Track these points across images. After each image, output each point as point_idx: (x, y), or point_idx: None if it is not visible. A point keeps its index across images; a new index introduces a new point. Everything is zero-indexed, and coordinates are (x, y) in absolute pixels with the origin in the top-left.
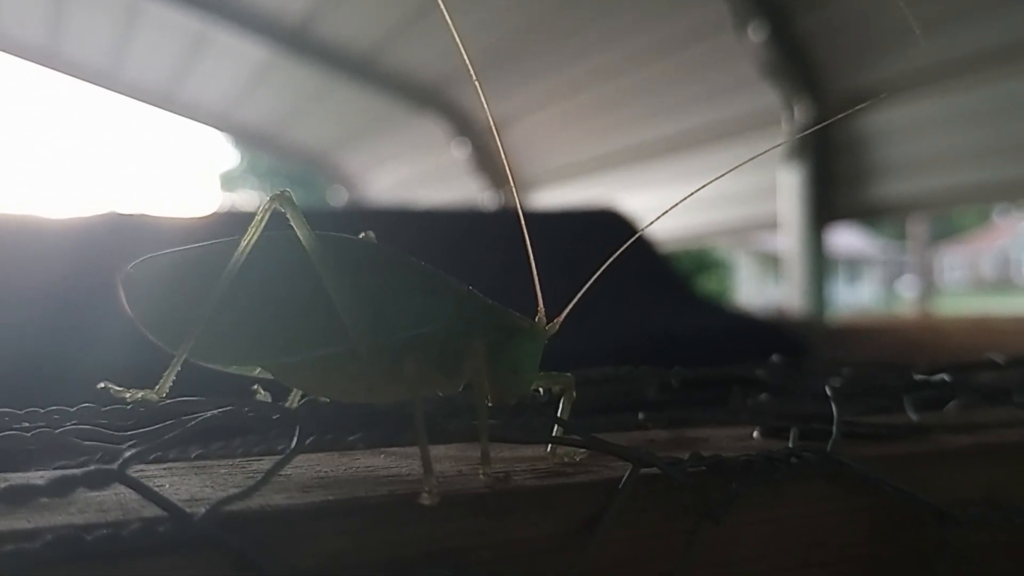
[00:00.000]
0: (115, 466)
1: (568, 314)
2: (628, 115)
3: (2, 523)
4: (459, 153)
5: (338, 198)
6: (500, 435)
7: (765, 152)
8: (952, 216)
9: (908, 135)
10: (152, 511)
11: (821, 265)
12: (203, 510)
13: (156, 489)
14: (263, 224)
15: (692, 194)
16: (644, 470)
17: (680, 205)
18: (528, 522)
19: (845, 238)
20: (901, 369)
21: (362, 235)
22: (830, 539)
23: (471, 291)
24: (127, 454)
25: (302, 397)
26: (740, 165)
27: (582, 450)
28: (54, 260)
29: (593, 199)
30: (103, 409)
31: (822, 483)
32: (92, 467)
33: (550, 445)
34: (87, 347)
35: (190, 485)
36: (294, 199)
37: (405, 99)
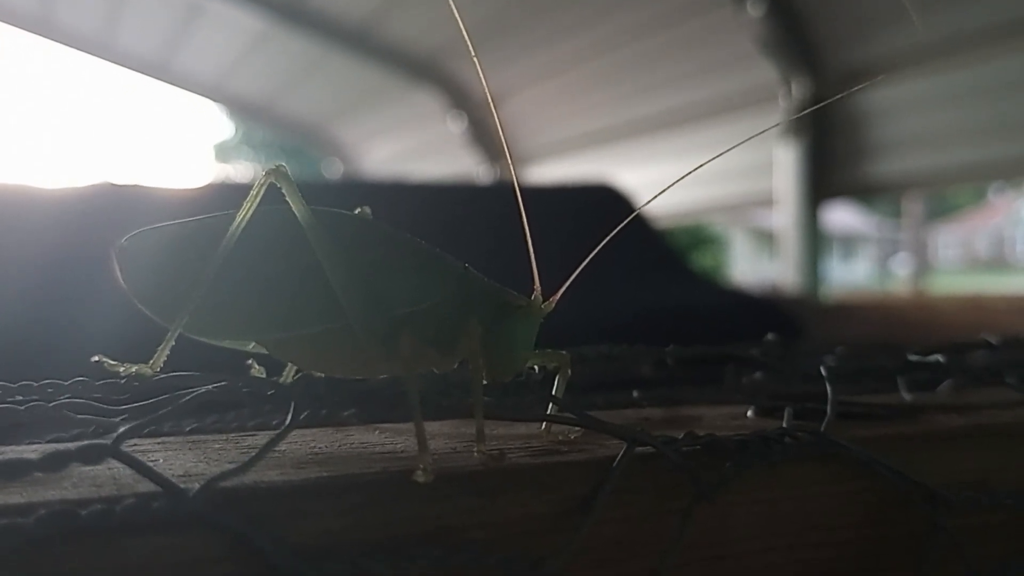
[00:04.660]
0: (109, 441)
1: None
2: (625, 89)
3: None
4: (454, 126)
5: (333, 170)
6: (495, 413)
7: (765, 131)
8: (947, 194)
9: (905, 113)
10: (146, 486)
11: (816, 242)
12: (197, 486)
13: (150, 464)
14: (259, 198)
15: (691, 172)
16: (638, 449)
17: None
18: (522, 500)
19: (840, 215)
20: (895, 349)
21: (358, 210)
22: (823, 520)
23: (467, 268)
24: (121, 429)
25: (296, 372)
26: (740, 144)
27: (576, 428)
28: (47, 230)
29: (589, 174)
30: (97, 383)
31: (816, 464)
32: (86, 442)
33: (544, 423)
34: (81, 319)
35: (184, 460)
36: (289, 174)
37: (401, 71)
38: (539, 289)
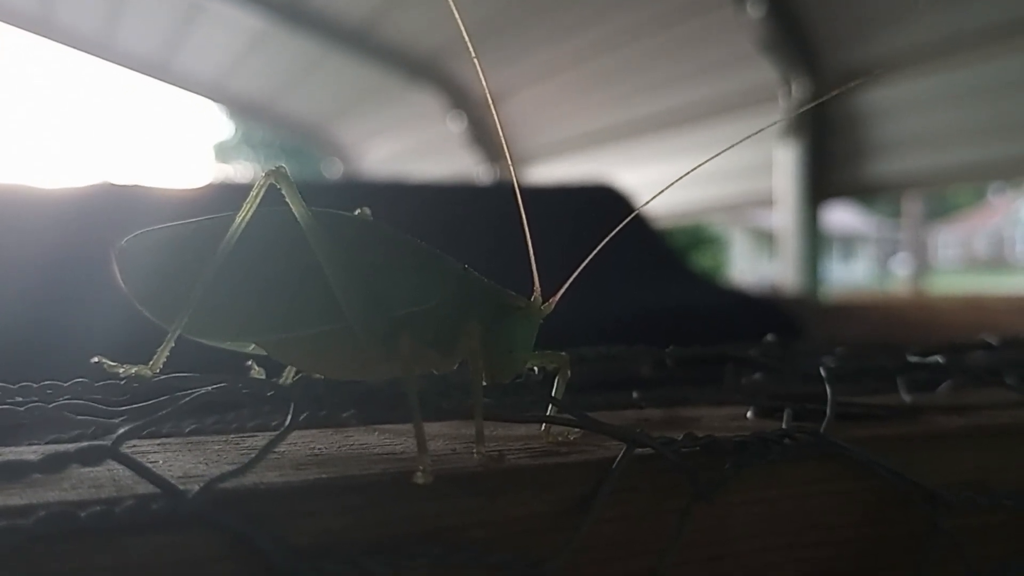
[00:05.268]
0: (109, 442)
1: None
2: (624, 89)
3: None
4: (454, 126)
5: (333, 170)
6: (494, 414)
7: (764, 129)
8: (947, 194)
9: (904, 113)
10: (146, 488)
11: (815, 242)
12: (197, 487)
13: (149, 465)
14: (258, 200)
15: (690, 172)
16: (638, 450)
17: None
18: (521, 501)
19: (840, 215)
20: (895, 350)
21: (357, 211)
22: (821, 520)
23: (467, 269)
24: (121, 430)
25: (296, 374)
26: (739, 142)
27: (576, 429)
28: (47, 230)
29: (589, 174)
30: (96, 384)
31: (815, 464)
32: (86, 443)
33: (544, 424)
34: (81, 320)
35: (184, 461)
36: (289, 175)
37: (400, 71)
38: (539, 290)
